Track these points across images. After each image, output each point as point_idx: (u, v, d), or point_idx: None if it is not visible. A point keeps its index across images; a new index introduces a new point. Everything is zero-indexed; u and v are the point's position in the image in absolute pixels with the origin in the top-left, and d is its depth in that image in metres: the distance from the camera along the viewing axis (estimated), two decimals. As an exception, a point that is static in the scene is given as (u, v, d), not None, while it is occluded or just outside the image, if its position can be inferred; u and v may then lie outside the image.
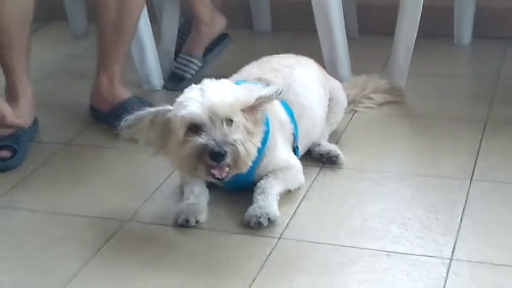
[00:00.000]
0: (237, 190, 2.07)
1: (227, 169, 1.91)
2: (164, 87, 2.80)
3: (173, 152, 1.94)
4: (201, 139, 1.88)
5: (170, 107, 1.96)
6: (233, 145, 1.88)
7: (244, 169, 1.95)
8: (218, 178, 1.92)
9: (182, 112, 1.90)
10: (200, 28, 2.77)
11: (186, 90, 1.98)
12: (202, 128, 1.89)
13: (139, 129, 1.95)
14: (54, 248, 1.94)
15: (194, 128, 1.90)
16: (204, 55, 2.81)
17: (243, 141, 1.90)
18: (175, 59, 2.83)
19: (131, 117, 1.96)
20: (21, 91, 2.42)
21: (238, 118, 1.91)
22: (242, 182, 2.04)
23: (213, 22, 2.80)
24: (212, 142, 1.87)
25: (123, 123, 1.95)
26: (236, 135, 1.90)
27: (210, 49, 2.82)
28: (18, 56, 2.38)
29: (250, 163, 1.95)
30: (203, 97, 1.91)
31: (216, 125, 1.88)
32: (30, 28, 2.39)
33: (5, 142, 2.33)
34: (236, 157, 1.90)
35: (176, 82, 2.75)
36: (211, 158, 1.88)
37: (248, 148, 1.92)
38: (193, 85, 1.98)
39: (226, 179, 1.93)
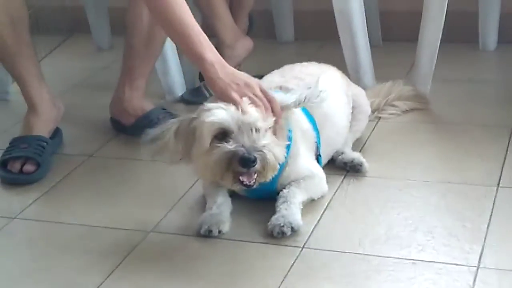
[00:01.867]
0: (260, 199, 2.06)
1: (255, 175, 1.90)
2: (182, 97, 2.78)
3: (199, 160, 1.93)
4: (230, 146, 1.87)
5: (194, 115, 1.95)
6: (262, 151, 1.87)
7: (271, 176, 1.93)
8: (246, 185, 1.90)
9: (211, 118, 1.89)
10: (223, 51, 2.69)
11: (211, 99, 1.97)
12: (230, 135, 1.88)
13: (165, 142, 1.93)
14: (77, 260, 1.93)
15: (221, 135, 1.89)
16: None
17: (271, 147, 1.89)
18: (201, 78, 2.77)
19: (154, 130, 1.95)
20: (37, 99, 2.44)
21: (264, 125, 1.90)
22: (265, 191, 2.02)
23: (236, 45, 2.77)
24: (242, 149, 1.86)
25: (145, 138, 1.95)
26: (265, 141, 1.88)
27: None
28: (22, 63, 2.39)
29: (277, 170, 1.94)
30: (230, 105, 1.90)
31: (244, 132, 1.87)
32: (28, 34, 2.38)
33: (29, 154, 2.33)
34: (264, 163, 1.89)
35: (198, 96, 2.71)
36: (241, 164, 1.86)
37: (276, 154, 1.91)
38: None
39: (254, 186, 1.92)
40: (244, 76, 1.99)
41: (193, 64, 2.13)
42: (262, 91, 1.97)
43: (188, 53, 2.04)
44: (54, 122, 2.49)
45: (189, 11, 2.03)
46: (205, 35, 2.02)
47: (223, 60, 2.01)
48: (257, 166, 1.87)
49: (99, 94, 2.88)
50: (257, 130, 1.89)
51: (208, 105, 1.94)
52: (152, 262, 1.90)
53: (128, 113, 2.53)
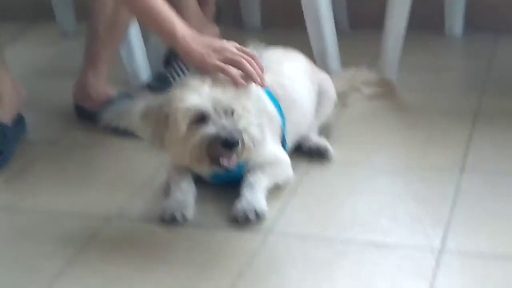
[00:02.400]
0: (225, 185, 2.05)
1: (235, 157, 1.88)
2: (147, 83, 2.75)
3: (175, 146, 1.91)
4: (210, 130, 1.85)
5: (162, 102, 1.92)
6: (241, 132, 1.87)
7: (246, 156, 1.92)
8: (226, 168, 1.89)
9: (186, 104, 1.87)
10: None
11: (179, 84, 1.95)
12: (207, 118, 1.86)
13: (132, 123, 1.92)
14: (38, 246, 1.92)
15: (198, 119, 1.87)
16: None
17: (250, 128, 1.89)
18: (168, 62, 2.75)
19: (115, 107, 1.93)
20: None
21: (239, 107, 1.89)
22: (231, 177, 2.01)
23: (202, 32, 2.74)
24: (223, 131, 1.84)
25: (106, 114, 1.93)
26: (243, 122, 1.88)
27: None
28: None
29: (253, 149, 1.93)
30: (203, 89, 1.89)
31: (221, 114, 1.86)
32: None
33: (-11, 142, 2.30)
34: (244, 144, 1.88)
35: (163, 82, 2.68)
36: (224, 146, 1.85)
37: (254, 134, 1.90)
38: (186, 80, 1.95)
39: (233, 168, 1.90)
40: (218, 41, 1.97)
41: (165, 42, 2.08)
42: (239, 48, 1.95)
43: (158, 31, 2.01)
44: (16, 109, 2.45)
45: None
46: (171, 9, 1.98)
47: (192, 31, 1.98)
48: (239, 147, 1.86)
49: (63, 81, 2.82)
50: (234, 111, 1.88)
51: (179, 90, 1.91)
52: (115, 248, 1.88)
53: (92, 98, 2.49)
